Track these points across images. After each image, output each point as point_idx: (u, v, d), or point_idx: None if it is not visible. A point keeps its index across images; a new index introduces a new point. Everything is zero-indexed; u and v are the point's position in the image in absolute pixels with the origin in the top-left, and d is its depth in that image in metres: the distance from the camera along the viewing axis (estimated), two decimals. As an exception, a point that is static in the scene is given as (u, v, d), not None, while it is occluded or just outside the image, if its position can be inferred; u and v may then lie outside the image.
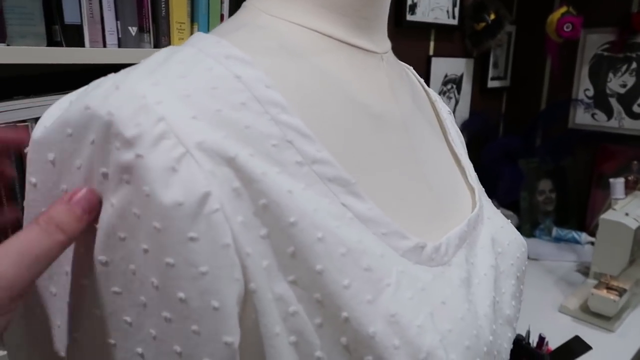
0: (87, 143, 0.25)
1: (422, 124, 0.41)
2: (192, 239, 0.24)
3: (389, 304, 0.27)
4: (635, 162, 1.66)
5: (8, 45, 0.61)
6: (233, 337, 0.25)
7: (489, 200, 0.45)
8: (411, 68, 0.48)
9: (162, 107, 0.24)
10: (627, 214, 1.24)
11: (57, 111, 0.27)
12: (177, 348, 0.25)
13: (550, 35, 1.58)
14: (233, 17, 0.37)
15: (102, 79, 0.28)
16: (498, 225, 0.41)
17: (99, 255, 0.25)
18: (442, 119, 0.46)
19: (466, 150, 0.48)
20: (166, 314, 0.24)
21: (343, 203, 0.28)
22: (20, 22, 0.62)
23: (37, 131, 0.27)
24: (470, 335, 0.30)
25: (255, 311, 0.25)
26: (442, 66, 1.62)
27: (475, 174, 0.44)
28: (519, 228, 1.80)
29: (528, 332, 1.03)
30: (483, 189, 0.45)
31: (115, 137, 0.24)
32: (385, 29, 0.39)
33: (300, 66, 0.32)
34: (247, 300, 0.25)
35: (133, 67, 0.28)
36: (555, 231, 1.70)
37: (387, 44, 0.39)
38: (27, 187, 0.27)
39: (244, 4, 0.37)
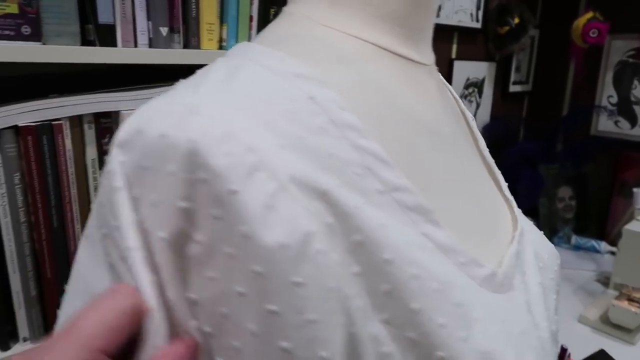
0: (163, 175, 0.23)
1: (462, 138, 0.40)
2: (297, 284, 0.22)
3: (481, 341, 0.26)
4: (659, 171, 1.64)
5: (44, 44, 0.62)
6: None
7: (519, 209, 0.44)
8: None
9: (249, 135, 0.23)
10: (651, 225, 1.22)
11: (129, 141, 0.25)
12: None
13: (575, 41, 1.55)
14: (277, 23, 0.35)
15: (161, 100, 0.25)
16: (536, 237, 0.40)
17: (186, 292, 0.23)
18: (472, 127, 0.44)
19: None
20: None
21: (423, 232, 0.27)
22: (57, 21, 0.62)
23: (113, 163, 0.25)
24: (539, 358, 0.31)
25: (356, 355, 0.24)
26: (464, 69, 1.61)
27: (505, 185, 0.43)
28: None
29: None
30: (513, 200, 0.44)
31: (200, 167, 0.22)
32: (431, 40, 0.37)
33: (363, 83, 0.31)
34: (349, 345, 0.24)
35: (192, 83, 0.26)
36: (574, 239, 1.68)
37: (433, 55, 0.38)
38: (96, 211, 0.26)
39: (287, 10, 0.35)
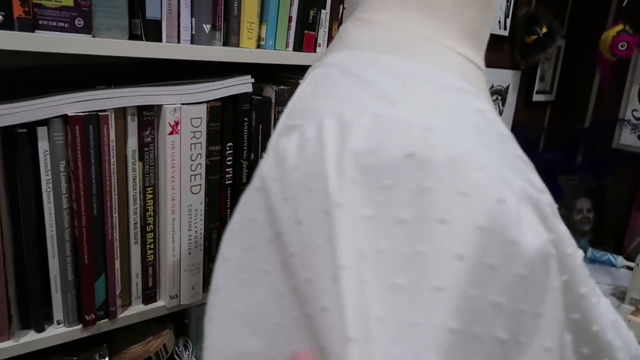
0: (415, 190, 0.23)
1: None
2: (554, 287, 0.25)
3: (607, 312, 0.31)
4: (681, 188, 1.62)
5: (93, 36, 0.64)
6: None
7: None
8: None
9: (480, 156, 0.24)
10: (672, 242, 1.22)
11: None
12: None
13: (603, 53, 1.55)
14: (365, 32, 0.34)
15: (365, 114, 0.25)
16: None
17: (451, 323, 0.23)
18: None
19: None
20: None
21: (558, 226, 0.29)
22: (107, 14, 0.64)
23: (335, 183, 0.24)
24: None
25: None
26: (489, 76, 1.61)
27: None
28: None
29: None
30: None
31: (470, 192, 0.23)
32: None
33: (486, 97, 0.33)
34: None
35: (374, 94, 0.26)
36: (590, 252, 1.68)
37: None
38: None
39: (367, 17, 0.35)
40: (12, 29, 0.58)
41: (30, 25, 0.59)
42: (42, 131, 0.61)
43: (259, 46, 0.82)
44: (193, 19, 0.74)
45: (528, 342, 0.24)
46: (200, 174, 0.76)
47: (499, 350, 0.23)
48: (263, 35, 0.82)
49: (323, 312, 0.22)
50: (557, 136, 1.91)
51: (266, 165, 0.27)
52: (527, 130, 1.79)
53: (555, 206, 0.30)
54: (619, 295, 1.45)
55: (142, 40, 0.69)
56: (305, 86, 0.32)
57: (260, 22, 0.82)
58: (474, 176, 0.23)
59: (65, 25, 0.60)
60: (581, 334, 0.29)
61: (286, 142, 0.27)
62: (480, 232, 0.22)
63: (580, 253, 0.32)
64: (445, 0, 0.33)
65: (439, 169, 0.23)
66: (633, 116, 1.72)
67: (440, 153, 0.23)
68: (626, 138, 1.74)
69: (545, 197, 0.28)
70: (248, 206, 0.27)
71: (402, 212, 0.23)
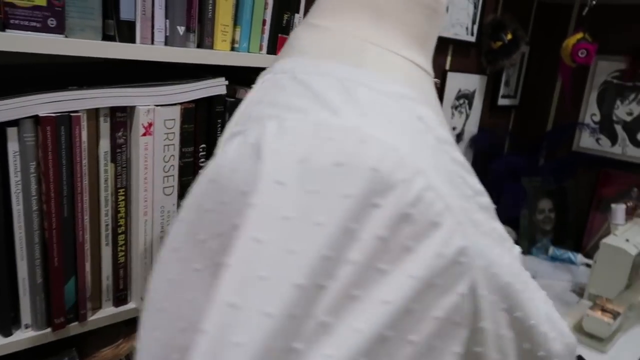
0: (337, 198, 0.24)
1: None
2: (436, 286, 0.25)
3: (542, 305, 0.32)
4: (636, 189, 1.71)
5: (66, 37, 0.63)
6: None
7: None
8: None
9: (413, 159, 0.25)
10: (627, 240, 1.28)
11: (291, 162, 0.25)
12: None
13: (564, 60, 1.61)
14: (314, 37, 0.35)
15: (287, 121, 0.26)
16: None
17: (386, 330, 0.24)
18: None
19: None
20: None
21: (492, 227, 0.32)
22: (80, 15, 0.63)
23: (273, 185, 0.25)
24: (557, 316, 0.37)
25: (479, 345, 0.29)
26: (456, 81, 1.65)
27: None
28: (517, 244, 1.84)
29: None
30: None
31: (379, 194, 0.23)
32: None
33: (427, 99, 0.34)
34: (473, 337, 0.29)
35: (308, 103, 0.27)
36: (552, 250, 1.74)
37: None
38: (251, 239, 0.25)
39: (318, 23, 0.35)
40: (-19, 27, 0.57)
41: (0, 24, 0.58)
42: (12, 132, 0.60)
43: (233, 49, 0.83)
44: (167, 20, 0.74)
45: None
46: (173, 175, 0.76)
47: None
48: (237, 38, 0.83)
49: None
50: (521, 139, 1.98)
51: (206, 169, 0.28)
52: (492, 134, 1.84)
53: (492, 207, 0.32)
54: (579, 292, 1.52)
55: (115, 41, 0.68)
56: (253, 93, 0.32)
57: (235, 25, 0.82)
58: (390, 192, 0.24)
59: (38, 25, 0.59)
60: (522, 331, 0.30)
61: (228, 147, 0.27)
62: (380, 240, 0.24)
63: (518, 249, 0.35)
64: (393, 5, 0.34)
65: (362, 178, 0.23)
66: (592, 120, 1.80)
67: (368, 164, 0.24)
68: (585, 141, 1.82)
69: (483, 199, 0.31)
70: (186, 210, 0.28)
71: (319, 216, 0.23)
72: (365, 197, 0.23)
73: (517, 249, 0.35)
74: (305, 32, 0.36)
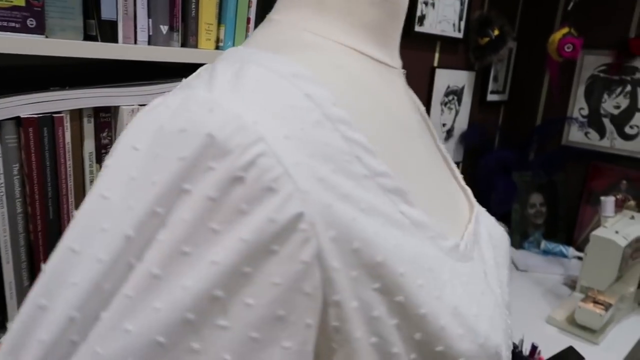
0: (173, 160, 0.25)
1: (424, 132, 0.45)
2: (273, 252, 0.25)
3: (450, 298, 0.30)
4: (624, 181, 1.72)
5: (47, 37, 0.63)
6: (291, 342, 0.26)
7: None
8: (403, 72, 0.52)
9: (260, 127, 0.26)
10: (617, 232, 1.29)
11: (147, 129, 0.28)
12: (227, 357, 0.25)
13: (551, 54, 1.62)
14: (266, 30, 0.37)
15: (171, 97, 0.28)
16: (489, 221, 0.46)
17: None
18: (428, 124, 0.49)
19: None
20: (222, 322, 0.25)
21: (401, 211, 0.31)
22: (61, 15, 0.63)
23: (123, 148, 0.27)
24: (503, 320, 0.35)
25: (337, 319, 0.27)
26: (445, 77, 1.66)
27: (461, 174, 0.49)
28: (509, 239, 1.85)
29: (521, 341, 1.08)
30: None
31: (217, 157, 0.25)
32: (398, 46, 0.42)
33: (353, 83, 0.35)
34: (328, 311, 0.27)
35: (203, 83, 0.29)
36: (543, 244, 1.75)
37: (400, 60, 0.43)
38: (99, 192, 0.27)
39: (273, 17, 0.38)
40: (-41, 29, 0.57)
41: (-21, 25, 0.57)
42: (-7, 134, 0.60)
43: (217, 47, 0.83)
44: (150, 19, 0.73)
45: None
46: (160, 175, 0.76)
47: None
48: (222, 36, 0.83)
49: None
50: (510, 134, 1.99)
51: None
52: (482, 129, 1.85)
53: (405, 191, 0.31)
54: (571, 284, 1.52)
55: (97, 41, 0.68)
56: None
57: (219, 23, 0.82)
58: (222, 157, 0.25)
59: (17, 26, 0.59)
60: (408, 318, 0.29)
61: None
62: (211, 201, 0.25)
63: (454, 242, 0.35)
64: None
65: (197, 142, 0.25)
66: (580, 114, 1.81)
67: (206, 130, 0.25)
68: (574, 135, 1.83)
69: (387, 181, 0.31)
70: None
71: (155, 176, 0.26)
72: (197, 160, 0.25)
73: (453, 241, 0.34)
74: (261, 27, 0.39)
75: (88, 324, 0.25)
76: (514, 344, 1.05)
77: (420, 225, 0.32)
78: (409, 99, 0.42)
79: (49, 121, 0.63)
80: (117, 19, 0.69)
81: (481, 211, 0.46)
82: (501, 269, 0.43)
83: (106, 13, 0.68)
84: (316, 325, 0.26)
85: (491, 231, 0.44)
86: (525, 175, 1.81)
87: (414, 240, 0.31)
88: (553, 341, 1.19)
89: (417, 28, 1.47)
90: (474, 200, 0.46)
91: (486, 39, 1.68)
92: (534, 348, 1.05)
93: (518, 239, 1.80)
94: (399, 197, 0.31)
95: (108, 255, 0.25)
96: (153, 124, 0.27)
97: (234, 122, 0.25)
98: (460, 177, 0.48)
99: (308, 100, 0.29)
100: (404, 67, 0.47)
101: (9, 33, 0.59)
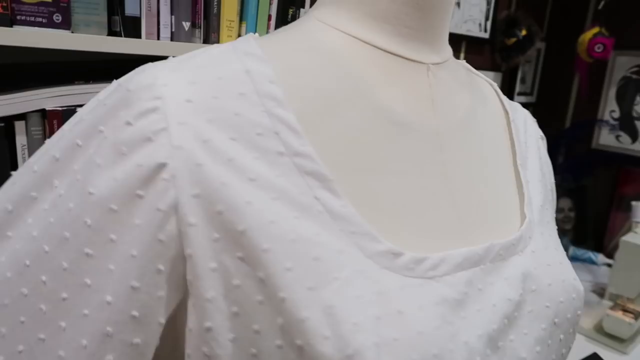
0: (101, 105, 0.30)
1: (472, 141, 0.40)
2: (138, 196, 0.28)
3: (330, 296, 0.27)
4: (658, 186, 1.66)
5: (72, 32, 0.64)
6: (140, 283, 0.28)
7: (555, 235, 0.42)
8: (494, 84, 0.49)
9: (165, 89, 0.29)
10: (648, 238, 1.25)
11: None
12: (88, 281, 0.28)
13: (581, 55, 1.58)
14: (293, 23, 0.39)
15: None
16: (543, 262, 0.38)
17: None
18: (519, 141, 0.44)
19: (547, 179, 0.45)
20: (88, 250, 0.28)
21: (316, 196, 0.30)
22: (86, 11, 0.65)
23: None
24: (424, 351, 0.28)
25: (191, 274, 0.28)
26: (470, 78, 1.64)
27: (543, 204, 0.42)
28: (534, 244, 1.80)
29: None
30: (550, 222, 0.42)
31: (124, 107, 0.29)
32: (442, 41, 0.39)
33: (324, 67, 0.34)
34: (183, 263, 0.28)
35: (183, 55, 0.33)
36: (572, 250, 1.71)
37: (441, 56, 0.40)
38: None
39: (308, 12, 0.40)
40: (-11, 23, 0.58)
41: (8, 20, 0.59)
42: (19, 125, 0.62)
43: (239, 44, 0.84)
44: (173, 16, 0.75)
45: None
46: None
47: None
48: (243, 33, 0.83)
49: None
50: (538, 137, 1.95)
51: None
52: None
53: (329, 178, 0.30)
54: (599, 292, 1.48)
55: (121, 36, 0.69)
56: None
57: (240, 20, 0.83)
58: (126, 107, 0.29)
59: (44, 21, 0.61)
60: (270, 299, 0.27)
61: None
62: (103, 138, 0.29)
63: (386, 246, 0.30)
64: None
65: (118, 94, 0.29)
66: (611, 117, 1.76)
67: (128, 86, 0.29)
68: (605, 138, 1.78)
69: (306, 163, 0.30)
70: None
71: (88, 115, 0.30)
72: (114, 108, 0.29)
73: (390, 248, 0.30)
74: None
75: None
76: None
77: (339, 216, 0.30)
78: (441, 98, 0.39)
79: (73, 114, 0.64)
80: (140, 15, 0.70)
81: (535, 247, 0.38)
82: (533, 320, 0.35)
83: (130, 9, 0.69)
84: (168, 273, 0.28)
85: (536, 273, 0.37)
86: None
87: (316, 227, 0.29)
88: (579, 349, 1.16)
89: (442, 28, 1.46)
90: (536, 234, 0.39)
91: (513, 40, 1.65)
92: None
93: (545, 244, 1.76)
94: (319, 182, 0.30)
95: (39, 167, 0.30)
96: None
97: (147, 81, 0.29)
98: (534, 205, 0.41)
99: (246, 75, 0.31)
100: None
101: (36, 28, 0.61)
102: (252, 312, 0.28)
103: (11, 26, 0.60)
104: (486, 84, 0.48)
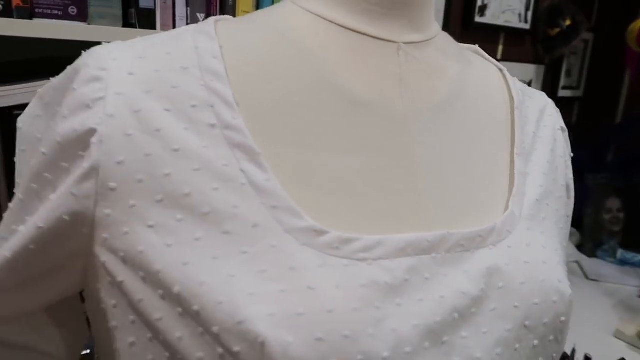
0: (58, 80, 0.33)
1: (451, 125, 0.38)
2: (69, 157, 0.30)
3: (233, 267, 0.28)
4: None
5: (89, 24, 0.67)
6: (45, 224, 0.30)
7: (552, 234, 0.39)
8: (504, 70, 0.46)
9: (113, 62, 0.31)
10: (700, 240, 1.15)
11: None
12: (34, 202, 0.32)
13: (630, 45, 1.48)
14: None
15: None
16: (520, 259, 0.35)
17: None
18: (523, 131, 0.41)
19: (560, 174, 0.42)
20: (34, 185, 0.32)
21: (242, 169, 0.30)
22: (101, 3, 0.67)
23: None
24: (331, 330, 0.27)
25: (106, 232, 0.30)
26: (509, 71, 1.56)
27: (541, 199, 0.39)
28: (580, 246, 1.72)
29: (573, 351, 0.99)
30: (547, 219, 0.39)
31: (75, 73, 0.31)
32: (422, 18, 0.38)
33: (275, 45, 0.35)
34: (100, 221, 0.30)
35: None
36: (620, 253, 1.60)
37: (423, 34, 0.38)
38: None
39: None
40: (11, 16, 0.62)
41: (28, 13, 0.63)
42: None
43: (255, 35, 0.84)
44: (188, 8, 0.76)
45: None
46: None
47: None
48: (259, 24, 0.84)
49: None
50: (586, 133, 1.84)
51: None
52: (552, 127, 1.73)
53: (257, 151, 0.30)
54: (648, 298, 1.38)
55: (136, 28, 0.72)
56: None
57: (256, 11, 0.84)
58: (75, 75, 0.31)
59: (59, 13, 0.64)
60: (151, 279, 0.29)
61: None
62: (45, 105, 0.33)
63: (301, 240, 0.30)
64: None
65: (73, 67, 0.32)
66: (667, 111, 1.64)
67: (83, 60, 0.31)
68: (660, 134, 1.66)
69: (236, 136, 0.31)
70: None
71: (47, 90, 0.33)
72: (71, 71, 0.32)
73: (312, 225, 0.30)
74: None
75: None
76: (565, 354, 0.97)
77: (262, 190, 0.30)
78: (407, 79, 0.37)
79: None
80: (155, 7, 0.72)
81: (513, 243, 0.35)
82: (496, 319, 0.32)
83: (144, 2, 0.71)
84: (69, 223, 0.30)
85: (507, 269, 0.34)
86: (600, 178, 1.67)
87: (235, 200, 0.29)
88: (618, 356, 1.09)
89: (478, 19, 1.41)
90: (519, 228, 0.36)
91: (557, 30, 1.57)
92: (587, 359, 0.96)
93: (591, 246, 1.66)
94: (245, 155, 0.30)
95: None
96: None
97: (100, 53, 0.31)
98: (525, 198, 0.38)
99: (194, 51, 0.32)
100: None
101: (53, 20, 0.64)
102: (156, 279, 0.29)
103: (31, 19, 0.63)
104: (493, 68, 0.45)
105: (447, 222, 0.35)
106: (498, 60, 1.58)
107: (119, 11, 0.69)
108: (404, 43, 0.37)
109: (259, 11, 0.38)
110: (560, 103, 1.81)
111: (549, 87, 1.73)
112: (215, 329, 0.27)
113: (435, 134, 0.37)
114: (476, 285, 0.32)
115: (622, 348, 1.14)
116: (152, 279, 0.29)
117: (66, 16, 0.64)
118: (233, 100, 0.31)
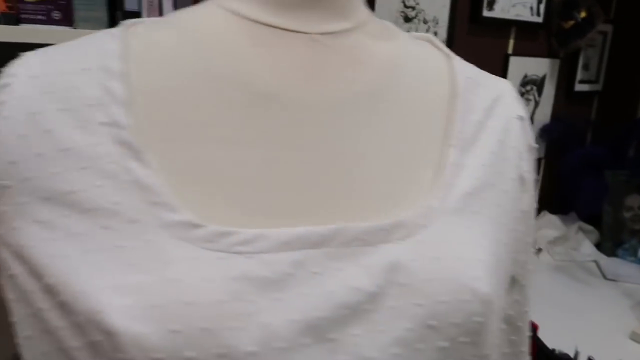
0: None
1: (370, 117, 0.36)
2: None
3: (101, 259, 0.29)
4: None
5: (75, 28, 0.69)
6: None
7: (482, 228, 0.36)
8: (451, 54, 0.43)
9: (21, 68, 0.33)
10: None
11: None
12: None
13: (650, 36, 1.42)
14: None
15: None
16: (430, 255, 0.33)
17: None
18: (464, 120, 0.39)
19: (509, 165, 0.39)
20: None
21: (126, 166, 0.30)
22: (86, 7, 0.69)
23: None
24: (188, 323, 0.27)
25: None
26: (521, 66, 1.53)
27: (474, 192, 0.36)
28: (599, 245, 1.65)
29: (576, 354, 0.95)
30: (481, 213, 0.36)
31: None
32: (343, 7, 0.37)
33: (185, 42, 0.35)
34: None
35: None
36: (640, 253, 1.54)
37: (345, 24, 0.37)
38: None
39: None
40: (-3, 23, 0.64)
41: (14, 19, 0.65)
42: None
43: (245, 35, 0.84)
44: (174, 10, 0.77)
45: None
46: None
47: None
48: (248, 24, 0.84)
49: None
50: (606, 129, 1.78)
51: None
52: (569, 123, 1.68)
53: (140, 150, 0.31)
54: (669, 300, 1.32)
55: (122, 31, 0.73)
56: None
57: (246, 11, 0.84)
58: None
59: (43, 18, 0.66)
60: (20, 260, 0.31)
61: None
62: None
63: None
64: None
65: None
66: (691, 104, 1.57)
67: (11, 70, 0.33)
68: (683, 129, 1.59)
69: (123, 133, 0.31)
70: None
71: None
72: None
73: (182, 217, 0.30)
74: None
75: None
76: (567, 355, 0.93)
77: (143, 187, 0.30)
78: (318, 69, 0.36)
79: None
80: (140, 10, 0.73)
81: (427, 238, 0.33)
82: (394, 317, 0.31)
83: (130, 4, 0.72)
84: None
85: (412, 266, 0.32)
86: (620, 174, 1.61)
87: (118, 196, 0.30)
88: (634, 358, 1.04)
89: (486, 13, 1.38)
90: (436, 223, 0.34)
91: (571, 22, 1.52)
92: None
93: (610, 245, 1.60)
94: (129, 151, 0.31)
95: None
96: None
97: (17, 62, 0.33)
98: (451, 193, 0.35)
99: (100, 52, 0.33)
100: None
101: (37, 25, 0.66)
102: (38, 272, 0.30)
103: (17, 24, 0.65)
104: (438, 55, 0.43)
105: (349, 217, 0.33)
106: (509, 55, 1.54)
107: (104, 14, 0.71)
108: (320, 33, 0.36)
109: (180, 10, 0.38)
110: (578, 98, 1.76)
111: (565, 82, 1.68)
112: (81, 318, 0.28)
113: (352, 125, 0.35)
114: (373, 281, 0.31)
115: (637, 350, 1.09)
116: (36, 271, 0.30)
117: (50, 21, 0.66)
118: (125, 98, 0.32)
